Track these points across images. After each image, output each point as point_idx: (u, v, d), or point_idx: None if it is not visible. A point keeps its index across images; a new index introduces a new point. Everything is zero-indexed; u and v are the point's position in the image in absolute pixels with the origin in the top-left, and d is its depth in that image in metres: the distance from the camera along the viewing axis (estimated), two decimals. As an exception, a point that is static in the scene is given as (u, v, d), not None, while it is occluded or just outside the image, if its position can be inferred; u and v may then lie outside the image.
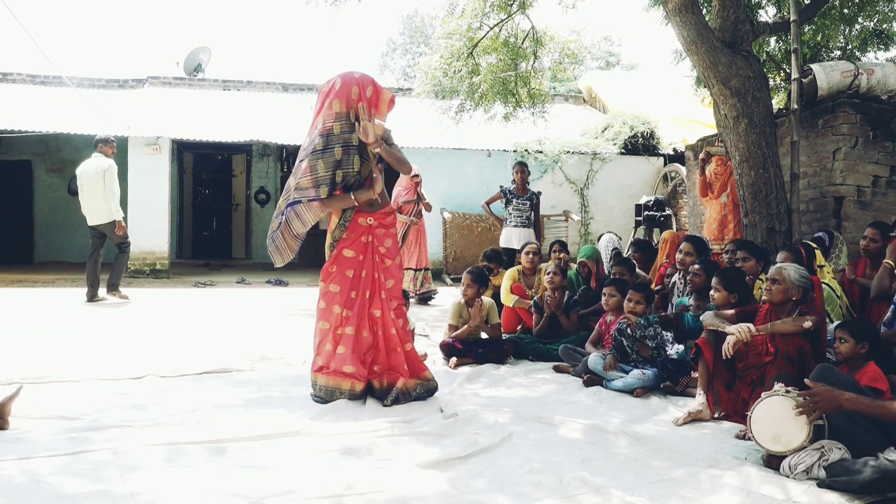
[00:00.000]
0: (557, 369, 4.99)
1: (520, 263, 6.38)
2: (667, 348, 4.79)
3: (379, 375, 3.99)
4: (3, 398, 3.28)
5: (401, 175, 8.45)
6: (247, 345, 5.59)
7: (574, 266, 6.82)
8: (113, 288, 8.31)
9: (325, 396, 3.91)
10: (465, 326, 5.28)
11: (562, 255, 6.51)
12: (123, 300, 8.25)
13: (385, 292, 4.04)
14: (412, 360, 4.09)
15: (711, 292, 4.32)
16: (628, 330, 4.62)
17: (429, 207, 8.60)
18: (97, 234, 8.29)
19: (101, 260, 8.31)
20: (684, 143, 11.95)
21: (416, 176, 8.33)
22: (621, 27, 47.88)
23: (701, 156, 6.98)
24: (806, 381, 3.03)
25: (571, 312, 5.58)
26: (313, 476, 2.82)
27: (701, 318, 4.19)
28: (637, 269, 6.24)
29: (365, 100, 3.86)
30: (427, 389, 4.07)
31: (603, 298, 5.12)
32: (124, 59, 40.16)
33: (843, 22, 7.74)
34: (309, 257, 14.30)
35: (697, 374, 3.97)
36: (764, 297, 3.99)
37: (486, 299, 5.42)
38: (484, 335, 5.50)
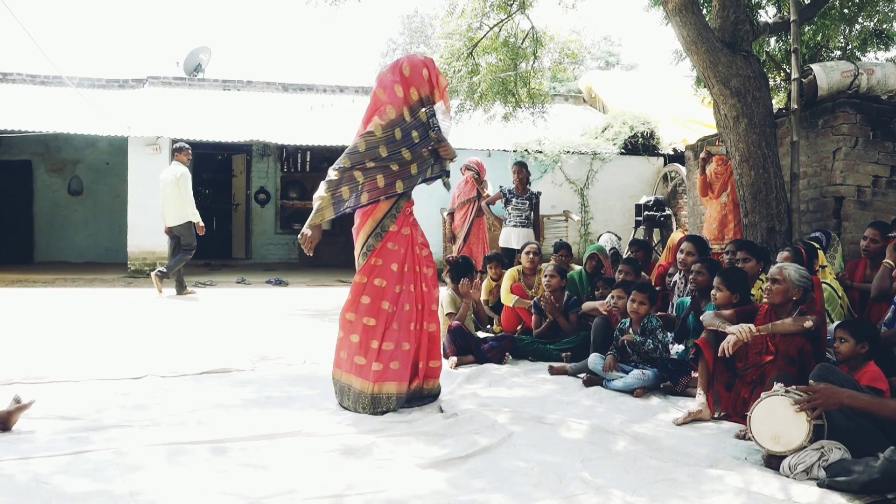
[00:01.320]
0: (552, 371, 4.90)
1: (520, 263, 6.38)
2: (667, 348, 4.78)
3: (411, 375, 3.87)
4: (12, 407, 3.26)
5: None
6: (247, 345, 5.59)
7: (576, 267, 6.82)
8: (163, 275, 8.69)
9: (369, 406, 3.67)
10: (463, 305, 5.39)
11: (561, 257, 6.50)
12: (158, 291, 8.67)
13: (426, 285, 3.90)
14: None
15: (713, 292, 4.32)
16: (629, 330, 4.61)
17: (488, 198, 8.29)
18: (172, 235, 9.04)
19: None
20: (684, 143, 11.95)
21: (470, 170, 8.14)
22: (621, 27, 47.84)
23: (702, 155, 6.99)
24: (810, 380, 3.03)
25: (571, 313, 5.58)
26: (313, 476, 2.82)
27: (701, 318, 4.19)
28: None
29: (436, 83, 3.84)
30: (431, 394, 4.00)
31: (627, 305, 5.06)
32: (124, 59, 40.15)
33: (843, 22, 7.74)
34: (308, 257, 14.33)
35: (697, 374, 3.97)
36: (764, 298, 3.99)
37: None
38: (482, 334, 5.71)
